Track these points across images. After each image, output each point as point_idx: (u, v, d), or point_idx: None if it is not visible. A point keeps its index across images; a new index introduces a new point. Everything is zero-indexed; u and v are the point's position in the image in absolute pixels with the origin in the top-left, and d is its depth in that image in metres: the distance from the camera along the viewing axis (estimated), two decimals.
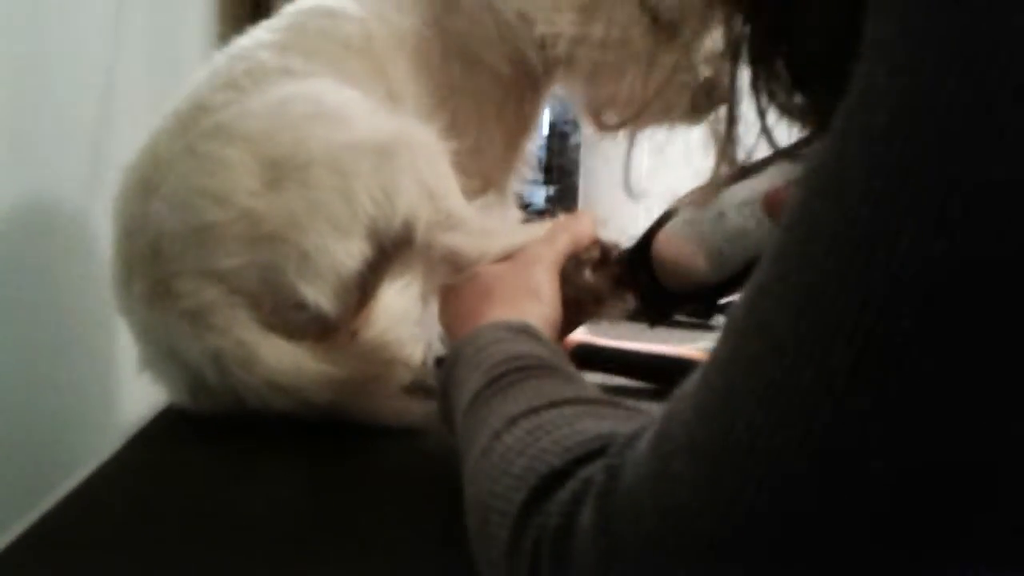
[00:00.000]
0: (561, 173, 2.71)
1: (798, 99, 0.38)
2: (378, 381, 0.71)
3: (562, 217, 0.75)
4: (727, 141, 0.45)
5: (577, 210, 0.75)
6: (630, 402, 0.45)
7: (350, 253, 0.67)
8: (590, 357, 0.87)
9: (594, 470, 0.33)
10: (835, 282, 0.26)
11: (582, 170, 2.60)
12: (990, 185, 0.23)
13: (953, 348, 0.24)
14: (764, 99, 0.40)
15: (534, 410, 0.41)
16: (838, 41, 0.29)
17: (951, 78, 0.24)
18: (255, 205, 0.67)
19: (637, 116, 0.66)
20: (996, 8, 0.23)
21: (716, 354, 0.29)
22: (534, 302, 0.64)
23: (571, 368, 0.51)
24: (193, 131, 0.70)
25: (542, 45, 0.84)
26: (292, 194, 0.67)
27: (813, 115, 0.38)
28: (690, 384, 0.30)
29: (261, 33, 0.80)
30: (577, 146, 2.63)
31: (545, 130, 2.72)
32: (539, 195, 2.90)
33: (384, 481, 0.62)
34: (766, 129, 0.41)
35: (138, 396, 0.79)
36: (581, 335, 0.90)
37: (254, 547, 0.52)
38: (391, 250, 0.70)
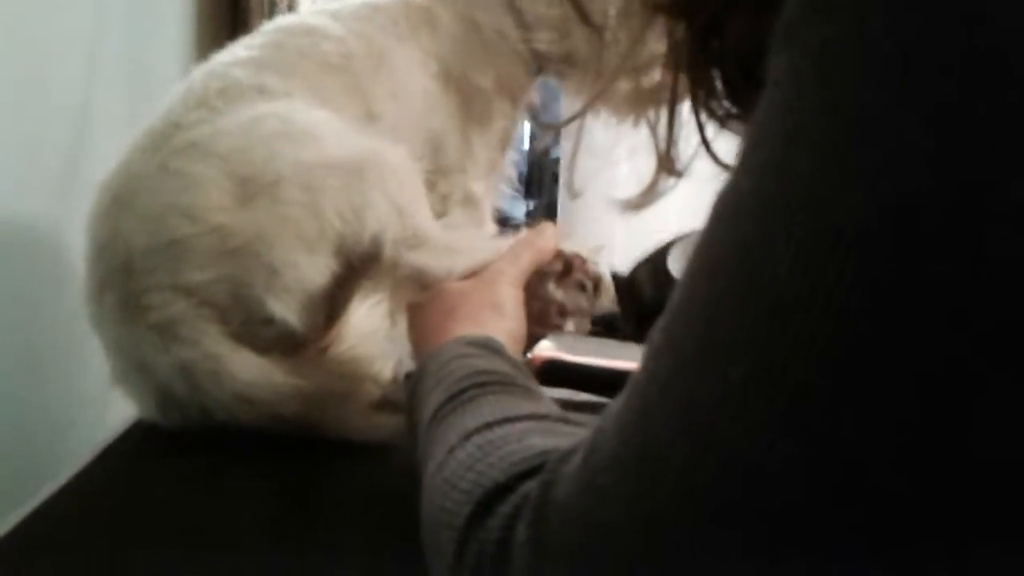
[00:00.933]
0: (541, 187, 2.72)
1: (733, 110, 0.40)
2: (347, 396, 0.71)
3: (525, 232, 0.76)
4: (667, 149, 0.46)
5: (542, 224, 0.77)
6: (585, 418, 0.45)
7: (318, 268, 0.68)
8: (557, 373, 0.88)
9: (532, 485, 0.34)
10: (730, 300, 0.28)
11: (561, 184, 2.62)
12: (854, 221, 0.25)
13: (834, 360, 0.25)
14: (702, 110, 0.41)
15: (488, 425, 0.42)
16: (763, 55, 0.30)
17: (821, 137, 0.26)
18: (225, 220, 0.67)
19: (575, 118, 0.68)
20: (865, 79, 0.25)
21: (638, 373, 0.31)
22: (498, 318, 0.65)
23: (532, 383, 0.52)
24: (166, 149, 0.71)
25: (523, 60, 0.87)
26: (262, 210, 0.67)
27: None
28: (617, 401, 0.32)
29: (239, 50, 0.81)
30: (557, 160, 2.65)
31: (525, 145, 2.73)
32: (519, 209, 2.90)
33: (353, 496, 0.62)
34: (705, 140, 0.42)
35: (109, 411, 0.79)
36: (549, 351, 0.91)
37: (223, 562, 0.52)
38: (359, 266, 0.71)
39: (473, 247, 0.73)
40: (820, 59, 0.26)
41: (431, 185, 0.85)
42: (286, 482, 0.64)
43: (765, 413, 0.26)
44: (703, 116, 0.41)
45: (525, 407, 0.45)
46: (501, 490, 0.35)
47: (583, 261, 0.76)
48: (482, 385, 0.49)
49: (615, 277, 0.97)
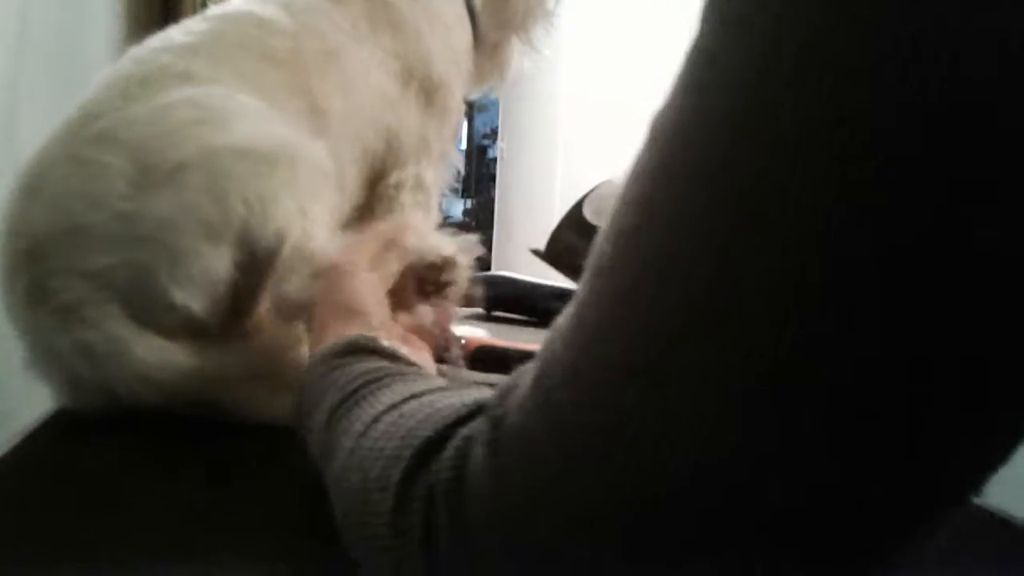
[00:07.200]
0: (479, 186, 2.70)
1: None
2: (261, 380, 0.67)
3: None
4: None
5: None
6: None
7: (221, 258, 0.65)
8: (488, 358, 0.86)
9: (476, 425, 0.33)
10: (657, 209, 0.28)
11: (498, 183, 2.59)
12: (724, 200, 0.25)
13: (709, 340, 0.26)
14: None
15: (394, 406, 0.40)
16: None
17: (737, 55, 0.26)
18: (128, 208, 0.64)
19: None
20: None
21: (578, 294, 0.31)
22: (357, 320, 0.56)
23: (416, 368, 0.49)
24: (79, 138, 0.68)
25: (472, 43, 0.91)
26: (164, 198, 0.64)
27: None
28: (562, 323, 0.31)
29: (175, 34, 0.77)
30: (494, 160, 2.62)
31: (464, 144, 2.70)
32: (457, 208, 2.88)
33: (277, 477, 0.59)
34: None
35: (29, 400, 0.74)
36: (481, 337, 0.89)
37: (145, 542, 0.48)
38: (263, 257, 0.67)
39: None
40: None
41: (386, 171, 0.84)
42: (213, 466, 0.60)
43: (725, 310, 0.26)
44: None
45: (421, 385, 0.42)
46: (435, 442, 0.34)
47: (433, 267, 0.66)
48: (373, 380, 0.45)
49: (537, 252, 0.94)
